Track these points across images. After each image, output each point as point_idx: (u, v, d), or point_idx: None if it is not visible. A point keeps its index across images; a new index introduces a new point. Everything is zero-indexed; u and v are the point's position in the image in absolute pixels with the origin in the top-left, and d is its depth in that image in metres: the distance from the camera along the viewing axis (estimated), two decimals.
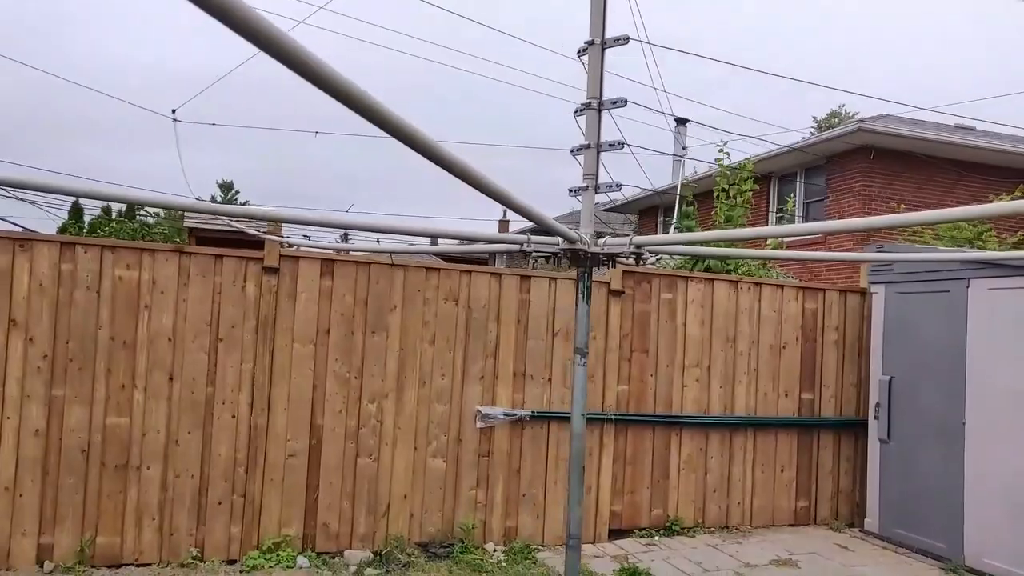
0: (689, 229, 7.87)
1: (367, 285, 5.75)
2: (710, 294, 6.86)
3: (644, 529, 6.38)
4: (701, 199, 9.54)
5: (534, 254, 3.61)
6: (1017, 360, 5.48)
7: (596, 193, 3.71)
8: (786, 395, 7.04)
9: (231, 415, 5.34)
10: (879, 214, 13.72)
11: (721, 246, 6.60)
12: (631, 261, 3.63)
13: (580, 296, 3.50)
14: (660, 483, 6.55)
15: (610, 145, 3.71)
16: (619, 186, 3.69)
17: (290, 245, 5.08)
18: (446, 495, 5.86)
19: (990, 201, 11.02)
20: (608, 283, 6.46)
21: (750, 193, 8.25)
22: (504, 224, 32.91)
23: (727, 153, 8.34)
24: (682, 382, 6.70)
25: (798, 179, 15.30)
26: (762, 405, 6.95)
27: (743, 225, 7.92)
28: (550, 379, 6.22)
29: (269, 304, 5.46)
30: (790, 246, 12.84)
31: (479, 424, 5.95)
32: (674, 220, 6.38)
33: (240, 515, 5.33)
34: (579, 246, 3.40)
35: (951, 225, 9.58)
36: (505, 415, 6.01)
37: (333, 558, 5.43)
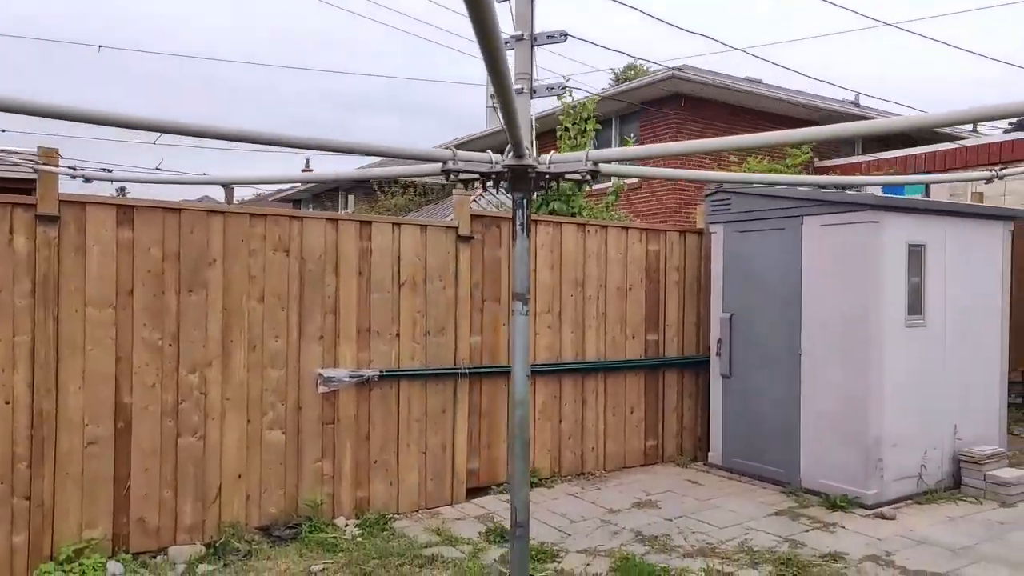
0: None
1: (178, 235, 4.86)
2: (558, 238, 6.67)
3: (502, 484, 6.16)
4: (544, 138, 9.32)
5: (461, 175, 3.03)
6: (846, 290, 5.83)
7: (533, 96, 3.17)
8: (633, 337, 7.08)
9: (4, 400, 4.30)
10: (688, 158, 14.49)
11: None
12: (576, 182, 3.19)
13: (519, 229, 2.99)
14: None
15: (549, 36, 3.17)
16: (564, 87, 3.26)
17: (86, 181, 4.05)
18: (287, 470, 5.22)
19: (782, 150, 11.86)
20: (456, 228, 6.03)
21: (593, 132, 8.15)
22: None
23: (570, 91, 8.17)
24: (534, 329, 6.49)
25: (613, 126, 15.67)
26: (611, 349, 6.94)
27: None
28: (398, 334, 5.72)
29: (49, 261, 4.42)
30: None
31: (321, 389, 5.33)
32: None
33: (25, 521, 4.35)
34: (527, 162, 2.84)
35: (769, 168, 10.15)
36: (350, 377, 5.44)
37: (155, 558, 4.63)
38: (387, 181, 20.94)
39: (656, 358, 7.22)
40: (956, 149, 14.27)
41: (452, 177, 3.01)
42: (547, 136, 9.22)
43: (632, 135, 14.89)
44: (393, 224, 5.81)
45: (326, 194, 27.69)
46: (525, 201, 3.02)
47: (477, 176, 2.98)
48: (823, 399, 6.00)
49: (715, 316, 7.07)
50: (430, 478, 5.83)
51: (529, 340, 3.42)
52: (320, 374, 5.32)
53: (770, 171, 10.26)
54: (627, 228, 7.18)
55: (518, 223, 3.02)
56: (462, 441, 5.99)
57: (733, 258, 6.90)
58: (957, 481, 6.17)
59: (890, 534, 5.08)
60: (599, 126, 8.34)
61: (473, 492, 6.01)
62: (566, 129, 7.97)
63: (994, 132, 16.22)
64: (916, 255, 5.84)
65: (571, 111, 8.14)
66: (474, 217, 6.16)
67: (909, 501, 5.81)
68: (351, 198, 25.62)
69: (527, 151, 2.84)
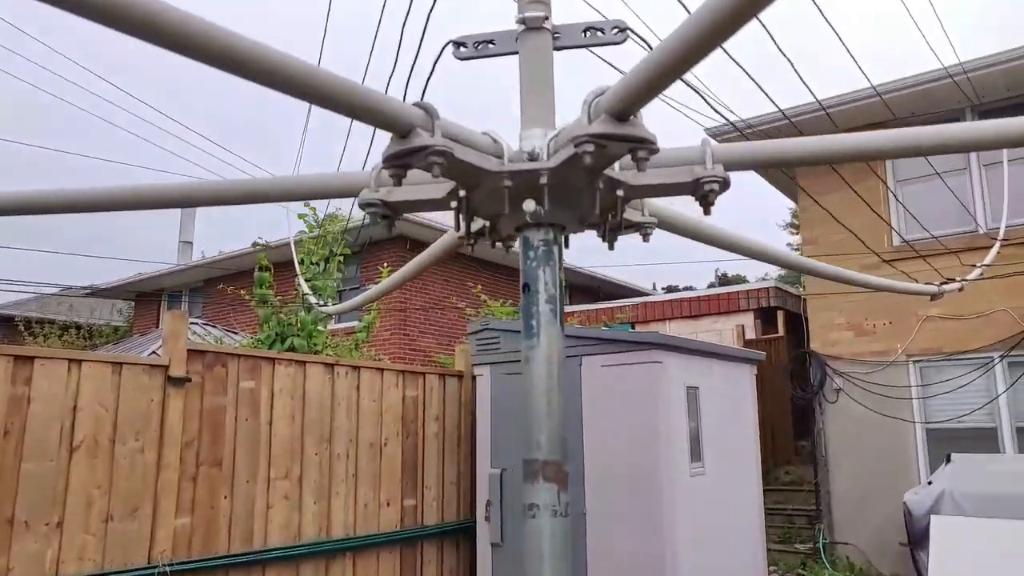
0: (264, 300, 6.34)
1: None
2: (302, 380, 5.42)
3: None
4: (281, 268, 8.07)
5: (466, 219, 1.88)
6: (631, 438, 5.40)
7: (556, 47, 2.07)
8: (388, 503, 5.89)
9: None
10: (413, 299, 14.11)
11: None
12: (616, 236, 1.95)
13: (548, 309, 1.79)
14: None
15: None
16: (623, 28, 2.16)
17: None
18: None
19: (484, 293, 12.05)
20: (166, 366, 4.53)
21: (341, 258, 7.16)
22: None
23: (315, 212, 7.15)
24: (267, 501, 5.02)
25: (337, 261, 14.85)
26: (363, 520, 5.66)
27: (335, 295, 6.74)
28: (60, 523, 3.93)
29: None
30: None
31: None
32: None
33: None
34: (585, 148, 1.56)
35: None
36: None
37: None
38: (39, 320, 17.35)
39: (415, 528, 6.07)
40: (652, 303, 15.88)
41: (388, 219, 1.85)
42: (284, 266, 8.03)
43: (358, 271, 14.19)
44: (71, 361, 4.13)
45: None
46: (556, 242, 1.87)
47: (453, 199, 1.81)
48: (612, 568, 5.34)
49: (482, 473, 6.22)
50: None
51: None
52: None
53: (513, 314, 10.10)
54: (383, 370, 6.16)
55: (545, 285, 1.81)
56: None
57: (503, 404, 6.20)
58: None
59: None
60: (348, 250, 7.40)
61: None
62: (309, 252, 6.89)
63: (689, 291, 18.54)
64: (693, 398, 5.69)
65: (315, 239, 7.11)
66: (192, 353, 4.72)
67: None
68: None
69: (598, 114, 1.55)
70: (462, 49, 2.20)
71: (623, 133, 1.50)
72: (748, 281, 23.78)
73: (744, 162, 1.94)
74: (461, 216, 1.83)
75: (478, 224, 1.98)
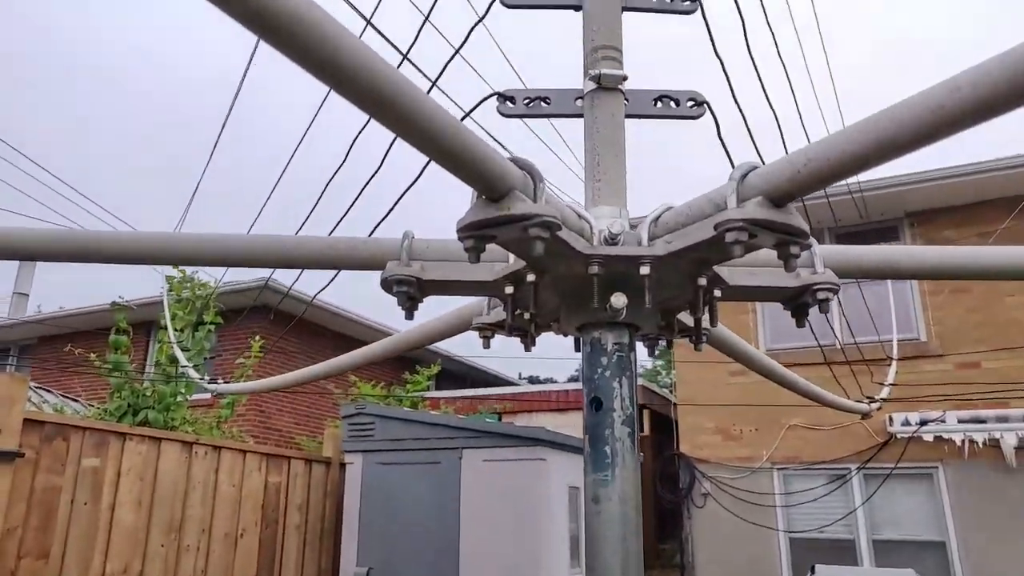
0: (119, 366, 5.78)
1: None
2: (154, 459, 4.96)
3: None
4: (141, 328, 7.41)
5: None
6: (514, 539, 5.27)
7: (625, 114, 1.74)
8: None
9: None
10: (269, 373, 13.40)
11: None
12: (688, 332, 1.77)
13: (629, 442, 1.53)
14: None
15: None
16: (700, 102, 1.84)
17: None
18: None
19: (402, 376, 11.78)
20: None
21: (212, 326, 6.70)
22: None
23: (185, 275, 6.69)
24: None
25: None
26: None
27: (202, 366, 6.25)
28: None
29: None
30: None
31: None
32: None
33: None
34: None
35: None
36: None
37: None
38: None
39: None
40: (522, 394, 16.01)
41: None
42: (136, 329, 7.43)
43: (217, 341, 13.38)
44: None
45: None
46: (627, 351, 1.60)
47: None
48: None
49: (347, 571, 5.83)
50: None
51: None
52: None
53: (385, 397, 9.82)
54: (245, 452, 5.74)
55: (622, 402, 1.53)
56: None
57: (374, 496, 5.91)
58: None
59: None
60: (219, 319, 6.95)
61: None
62: (174, 317, 6.41)
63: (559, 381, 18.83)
64: (573, 498, 5.66)
65: (182, 299, 6.66)
66: (29, 423, 4.21)
67: None
68: None
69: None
70: (509, 104, 1.91)
71: (783, 222, 1.27)
72: None
73: (856, 268, 1.75)
74: (532, 307, 1.56)
75: (489, 314, 1.76)
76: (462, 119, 2.40)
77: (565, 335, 1.72)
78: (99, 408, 6.19)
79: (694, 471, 9.38)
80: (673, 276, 1.50)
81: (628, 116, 1.80)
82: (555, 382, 23.00)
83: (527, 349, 1.78)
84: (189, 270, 7.18)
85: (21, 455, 4.09)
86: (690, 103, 1.85)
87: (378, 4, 3.03)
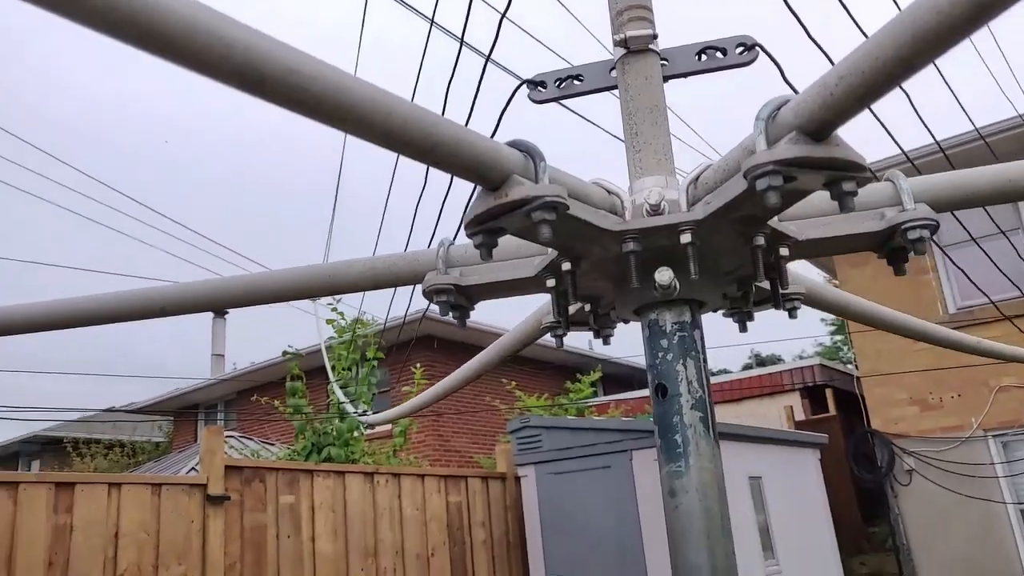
0: (298, 410, 6.36)
1: None
2: (341, 493, 5.36)
3: None
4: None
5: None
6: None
7: (665, 76, 1.62)
8: None
9: None
10: (444, 400, 13.99)
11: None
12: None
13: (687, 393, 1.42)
14: None
15: None
16: (750, 45, 1.55)
17: None
18: None
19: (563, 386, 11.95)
20: (204, 485, 4.51)
21: (376, 362, 7.20)
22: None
23: (343, 316, 7.28)
24: None
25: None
26: None
27: (369, 401, 6.75)
28: None
29: None
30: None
31: None
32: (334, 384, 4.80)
33: None
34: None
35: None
36: None
37: None
38: (86, 441, 17.63)
39: None
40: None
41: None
42: (315, 373, 8.08)
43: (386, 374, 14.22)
44: (110, 485, 4.14)
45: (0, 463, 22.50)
46: (701, 321, 1.51)
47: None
48: None
49: None
50: None
51: None
52: None
53: (550, 407, 9.99)
54: (423, 475, 6.07)
55: (689, 385, 1.40)
56: None
57: (551, 506, 6.04)
58: None
59: None
60: (381, 354, 7.45)
61: None
62: (339, 358, 6.95)
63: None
64: (756, 489, 5.49)
65: (344, 344, 7.20)
66: (230, 469, 4.71)
67: None
68: (35, 465, 21.15)
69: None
70: (540, 90, 1.78)
71: (824, 156, 1.08)
72: (784, 361, 23.25)
73: (957, 199, 1.48)
74: (571, 299, 1.45)
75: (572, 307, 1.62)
76: (499, 118, 2.28)
77: (625, 322, 1.62)
78: (289, 449, 6.79)
79: (891, 447, 8.75)
80: (726, 240, 1.36)
81: (671, 77, 1.67)
82: (728, 372, 22.26)
83: (605, 343, 1.71)
84: (350, 313, 7.72)
85: (228, 498, 4.58)
86: (739, 49, 1.66)
87: None
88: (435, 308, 1.55)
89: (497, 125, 2.35)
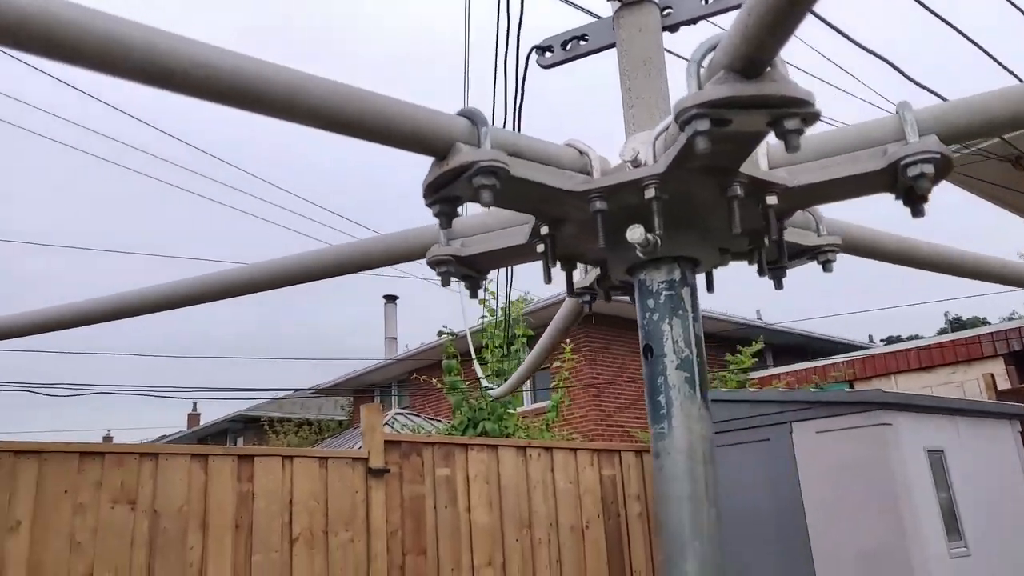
0: (454, 387, 6.66)
1: None
2: (495, 465, 5.53)
3: None
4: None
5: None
6: (865, 514, 4.87)
7: (667, 25, 1.62)
8: None
9: None
10: (604, 374, 13.94)
11: None
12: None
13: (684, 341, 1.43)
14: None
15: None
16: None
17: None
18: None
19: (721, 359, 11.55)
20: (366, 459, 4.83)
21: (524, 339, 7.37)
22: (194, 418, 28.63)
23: (495, 295, 7.51)
24: None
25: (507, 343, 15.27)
26: None
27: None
28: None
29: None
30: None
31: None
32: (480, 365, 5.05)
33: None
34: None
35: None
36: None
37: None
38: (280, 419, 19.46)
39: None
40: (872, 356, 14.50)
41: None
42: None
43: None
44: (283, 458, 4.55)
45: (212, 439, 25.39)
46: (694, 278, 1.48)
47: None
48: None
49: None
50: None
51: None
52: None
53: (710, 380, 9.71)
54: (575, 449, 6.13)
55: (675, 345, 1.39)
56: None
57: None
58: None
59: None
60: (531, 331, 7.60)
61: None
62: (492, 337, 7.17)
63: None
64: (937, 464, 5.05)
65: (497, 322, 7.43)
66: (389, 444, 5.00)
67: None
68: (240, 441, 23.68)
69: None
70: (547, 55, 1.78)
71: (755, 94, 1.00)
72: (989, 323, 20.93)
73: (976, 126, 1.29)
74: (550, 264, 1.42)
75: (587, 275, 1.60)
76: (518, 89, 2.28)
77: (621, 285, 1.56)
78: (447, 424, 7.10)
79: None
80: (705, 193, 1.26)
81: (678, 25, 1.59)
82: (920, 338, 20.45)
83: (607, 300, 1.64)
84: (496, 292, 7.92)
85: (388, 471, 4.88)
86: None
87: None
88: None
89: (518, 95, 2.46)
